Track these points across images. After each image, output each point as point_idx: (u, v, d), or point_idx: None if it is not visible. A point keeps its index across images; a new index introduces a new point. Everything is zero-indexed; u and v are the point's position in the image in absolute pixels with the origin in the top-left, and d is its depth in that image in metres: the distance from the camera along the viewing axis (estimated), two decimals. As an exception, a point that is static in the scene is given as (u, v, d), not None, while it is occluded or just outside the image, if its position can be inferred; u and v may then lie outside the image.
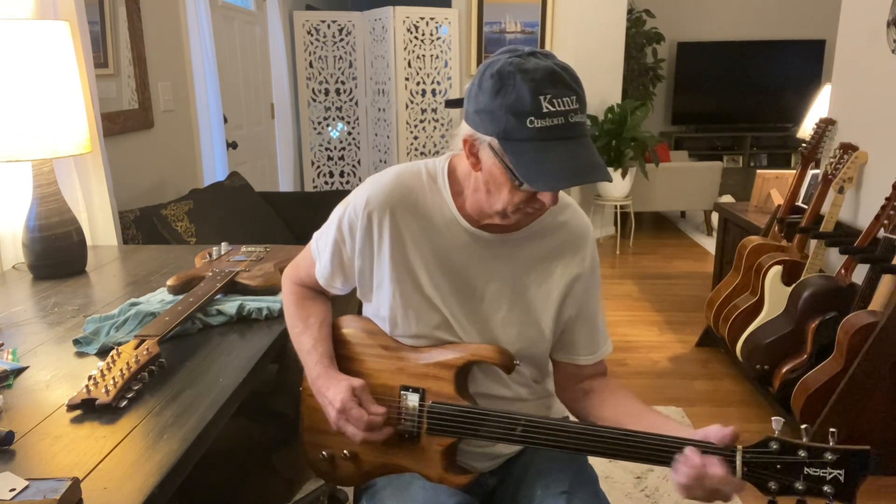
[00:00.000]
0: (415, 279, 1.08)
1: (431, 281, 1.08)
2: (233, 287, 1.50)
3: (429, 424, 1.06)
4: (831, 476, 0.87)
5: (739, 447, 0.91)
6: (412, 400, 1.07)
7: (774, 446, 0.89)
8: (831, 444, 0.88)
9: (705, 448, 0.91)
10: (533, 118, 0.89)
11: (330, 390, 1.07)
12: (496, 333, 1.09)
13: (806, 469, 0.88)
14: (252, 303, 1.41)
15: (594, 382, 1.17)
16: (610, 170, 4.84)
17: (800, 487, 0.88)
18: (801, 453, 0.88)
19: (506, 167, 0.93)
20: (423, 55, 4.90)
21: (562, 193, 1.12)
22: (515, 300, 1.10)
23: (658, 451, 0.94)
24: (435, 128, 5.07)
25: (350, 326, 1.17)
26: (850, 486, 0.86)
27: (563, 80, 0.90)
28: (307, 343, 1.14)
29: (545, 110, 0.89)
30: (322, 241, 1.18)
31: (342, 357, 1.15)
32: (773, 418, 0.92)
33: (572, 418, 1.18)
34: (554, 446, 1.00)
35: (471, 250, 1.09)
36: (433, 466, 1.07)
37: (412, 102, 4.94)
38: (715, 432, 0.92)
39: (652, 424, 0.99)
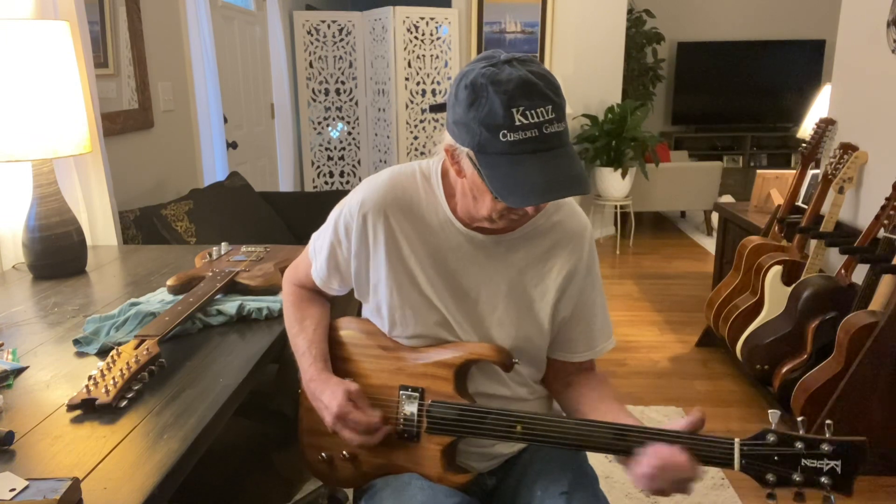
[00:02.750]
0: (412, 279, 1.08)
1: (428, 280, 1.08)
2: (233, 287, 1.50)
3: (428, 424, 1.06)
4: (828, 467, 0.87)
5: (736, 440, 0.91)
6: (411, 400, 1.07)
7: (771, 438, 0.90)
8: (828, 435, 0.88)
9: (704, 440, 0.91)
10: (506, 131, 0.88)
11: (325, 394, 1.07)
12: (492, 333, 1.10)
13: (803, 461, 0.88)
14: (252, 303, 1.41)
15: (578, 377, 1.17)
16: (609, 170, 4.89)
17: (797, 479, 0.88)
18: (798, 445, 0.88)
19: (483, 179, 0.93)
20: (423, 55, 4.90)
21: None
22: (511, 300, 1.10)
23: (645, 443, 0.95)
24: (435, 128, 5.06)
25: (349, 328, 1.17)
26: (848, 478, 0.87)
27: (537, 90, 0.88)
28: (302, 345, 1.14)
29: (518, 123, 0.87)
30: (318, 242, 1.18)
31: (341, 358, 1.15)
32: (769, 411, 0.93)
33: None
34: (552, 443, 1.00)
35: (465, 251, 1.09)
36: (433, 466, 1.07)
37: (412, 102, 4.94)
38: (685, 424, 0.93)
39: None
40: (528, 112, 0.88)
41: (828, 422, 0.89)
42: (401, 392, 1.08)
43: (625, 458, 0.96)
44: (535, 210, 0.97)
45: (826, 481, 0.87)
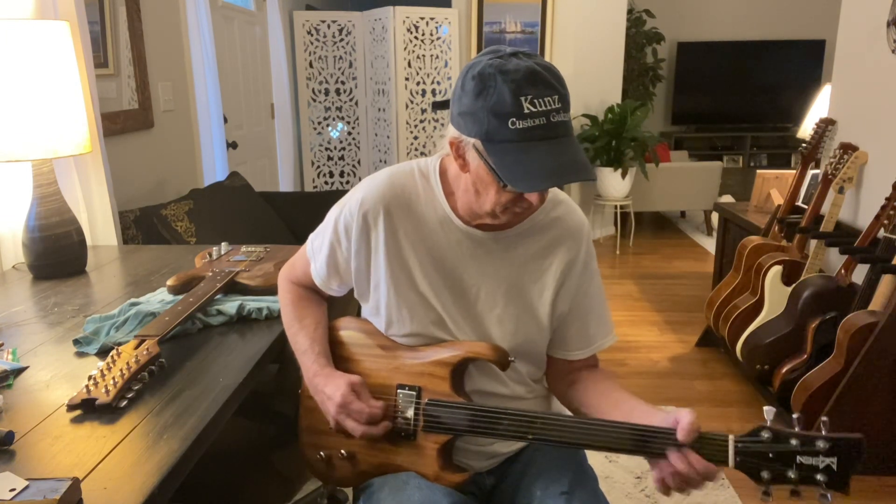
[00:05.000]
0: (409, 277, 1.09)
1: (426, 279, 1.08)
2: (233, 287, 1.50)
3: (425, 422, 1.06)
4: (824, 464, 0.87)
5: (731, 436, 0.91)
6: (408, 398, 1.07)
7: (766, 435, 0.89)
8: (823, 432, 0.88)
9: (698, 436, 0.91)
10: (514, 119, 0.89)
11: (328, 386, 1.07)
12: (491, 331, 1.10)
13: (798, 457, 0.88)
14: (252, 303, 1.42)
15: (581, 374, 1.18)
16: (609, 170, 4.89)
17: (792, 476, 0.88)
18: (794, 441, 0.88)
19: (490, 168, 0.93)
20: (423, 55, 4.90)
21: (555, 190, 1.12)
22: (511, 297, 1.10)
23: (646, 441, 0.95)
24: (435, 128, 5.07)
25: (348, 328, 1.18)
26: (844, 474, 0.86)
27: (544, 80, 0.90)
28: (304, 343, 1.15)
29: (526, 111, 0.89)
30: (317, 242, 1.18)
31: (340, 358, 1.15)
32: (765, 408, 0.92)
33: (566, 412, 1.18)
34: (549, 442, 1.00)
35: (464, 248, 1.09)
36: (429, 465, 1.07)
37: (412, 102, 4.94)
38: (683, 416, 0.93)
39: (627, 412, 1.01)
40: (535, 100, 0.89)
41: (823, 418, 0.89)
42: (398, 391, 1.08)
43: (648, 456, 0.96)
44: (538, 200, 0.97)
45: (822, 478, 0.87)
